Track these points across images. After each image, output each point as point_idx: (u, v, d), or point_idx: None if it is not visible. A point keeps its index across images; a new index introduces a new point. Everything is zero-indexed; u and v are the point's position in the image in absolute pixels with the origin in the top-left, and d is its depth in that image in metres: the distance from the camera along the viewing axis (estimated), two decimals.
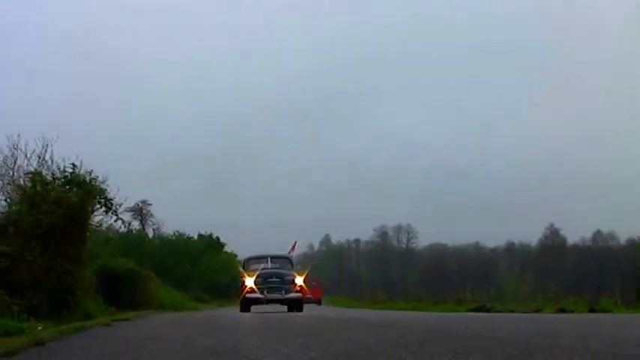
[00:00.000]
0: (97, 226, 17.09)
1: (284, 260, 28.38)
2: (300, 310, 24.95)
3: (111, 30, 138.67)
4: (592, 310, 21.36)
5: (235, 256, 69.67)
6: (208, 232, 67.31)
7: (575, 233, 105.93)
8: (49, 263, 14.05)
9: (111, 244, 27.60)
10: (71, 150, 16.33)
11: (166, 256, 55.06)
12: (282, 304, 25.79)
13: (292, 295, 25.14)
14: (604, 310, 21.10)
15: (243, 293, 25.27)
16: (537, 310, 22.65)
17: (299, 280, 25.53)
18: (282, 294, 24.94)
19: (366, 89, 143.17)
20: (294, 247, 29.88)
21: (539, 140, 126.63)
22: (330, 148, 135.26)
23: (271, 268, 26.24)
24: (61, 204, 14.71)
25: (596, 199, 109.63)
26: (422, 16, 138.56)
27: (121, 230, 32.54)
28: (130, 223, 44.93)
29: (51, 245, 14.31)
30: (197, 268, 59.55)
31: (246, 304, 25.10)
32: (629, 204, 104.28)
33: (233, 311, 27.02)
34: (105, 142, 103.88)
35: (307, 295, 27.75)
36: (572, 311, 21.28)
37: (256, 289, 24.71)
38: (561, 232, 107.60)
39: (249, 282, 24.96)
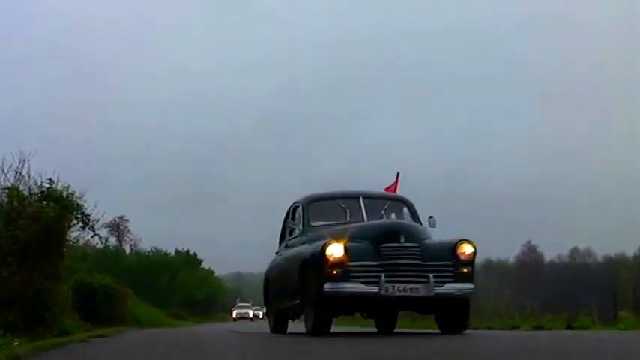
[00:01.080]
0: (74, 242, 17.01)
1: (398, 205, 13.04)
2: (463, 327, 11.43)
3: (88, 38, 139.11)
4: (569, 327, 21.39)
5: (212, 272, 70.01)
6: (185, 248, 67.55)
7: (553, 250, 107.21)
8: (26, 279, 14.01)
9: (88, 260, 27.55)
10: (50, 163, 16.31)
11: (143, 272, 55.06)
12: (422, 311, 12.12)
13: (454, 286, 10.77)
14: (581, 327, 21.13)
15: (319, 277, 10.23)
16: (514, 327, 22.67)
17: (469, 249, 10.83)
18: (427, 286, 10.37)
19: (342, 108, 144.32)
20: (397, 182, 17.37)
21: (517, 157, 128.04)
22: (304, 166, 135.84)
23: (387, 220, 12.17)
24: (38, 219, 14.66)
25: (573, 215, 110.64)
26: (408, 31, 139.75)
27: (97, 246, 32.53)
28: (107, 239, 44.91)
29: (28, 261, 14.25)
30: (174, 284, 59.46)
31: (325, 312, 10.67)
32: (606, 221, 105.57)
33: (212, 327, 26.61)
34: (81, 154, 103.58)
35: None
36: (550, 328, 21.33)
37: (355, 271, 10.19)
38: (538, 249, 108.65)
39: (337, 249, 10.13)
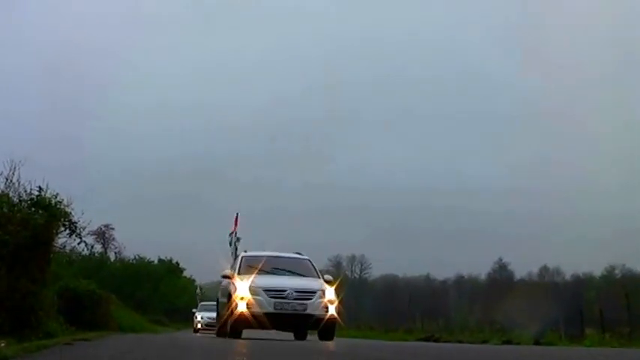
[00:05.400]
0: (60, 249, 17.30)
1: None
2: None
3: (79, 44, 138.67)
4: (537, 343, 22.06)
5: (194, 281, 70.27)
6: (168, 257, 67.96)
7: (523, 268, 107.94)
8: (14, 283, 14.33)
9: (73, 266, 27.67)
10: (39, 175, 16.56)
11: (127, 279, 55.43)
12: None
13: None
14: (548, 344, 21.80)
15: None
16: (484, 341, 23.29)
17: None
18: None
19: (331, 123, 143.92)
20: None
21: (489, 175, 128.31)
22: (289, 177, 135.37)
23: None
24: (27, 226, 14.95)
25: (543, 235, 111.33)
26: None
27: (83, 253, 32.57)
28: (92, 246, 45.18)
29: (16, 266, 14.57)
30: (157, 291, 59.83)
31: None
32: (575, 241, 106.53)
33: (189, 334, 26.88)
34: (69, 162, 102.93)
35: None
36: (518, 343, 21.99)
37: None
38: (509, 267, 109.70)
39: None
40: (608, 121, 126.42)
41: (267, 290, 16.28)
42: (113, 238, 66.36)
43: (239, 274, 17.23)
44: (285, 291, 16.31)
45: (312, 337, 17.82)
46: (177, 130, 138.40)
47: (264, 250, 19.37)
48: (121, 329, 26.31)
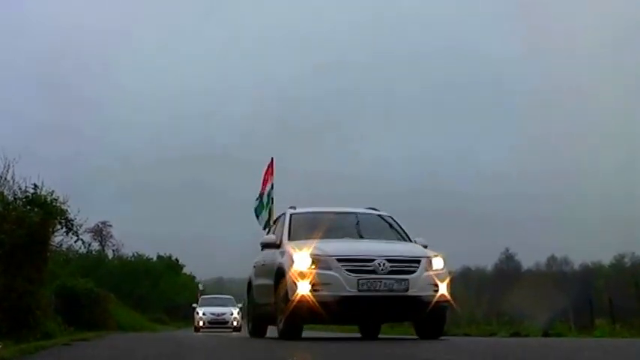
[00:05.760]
0: (57, 247, 17.08)
1: None
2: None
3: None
4: (546, 334, 21.72)
5: (194, 277, 70.05)
6: (167, 254, 67.79)
7: (530, 258, 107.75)
8: (10, 283, 14.10)
9: (71, 265, 27.56)
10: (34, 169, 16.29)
11: (125, 277, 55.27)
12: None
13: None
14: (558, 335, 21.47)
15: None
16: (492, 334, 22.94)
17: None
18: None
19: (332, 112, 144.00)
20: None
21: (495, 166, 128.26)
22: (291, 169, 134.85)
23: None
24: (23, 224, 14.71)
25: (551, 224, 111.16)
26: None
27: (80, 251, 32.43)
28: (89, 244, 44.99)
29: (12, 265, 14.34)
30: (156, 289, 59.66)
31: None
32: (583, 229, 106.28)
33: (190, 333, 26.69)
34: (66, 158, 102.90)
35: None
36: (527, 335, 21.65)
37: None
38: (516, 257, 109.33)
39: None
40: (618, 110, 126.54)
41: (342, 260, 10.52)
42: (111, 236, 66.24)
43: (290, 239, 11.71)
44: (372, 260, 10.56)
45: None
46: (174, 127, 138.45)
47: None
48: (120, 328, 26.20)
